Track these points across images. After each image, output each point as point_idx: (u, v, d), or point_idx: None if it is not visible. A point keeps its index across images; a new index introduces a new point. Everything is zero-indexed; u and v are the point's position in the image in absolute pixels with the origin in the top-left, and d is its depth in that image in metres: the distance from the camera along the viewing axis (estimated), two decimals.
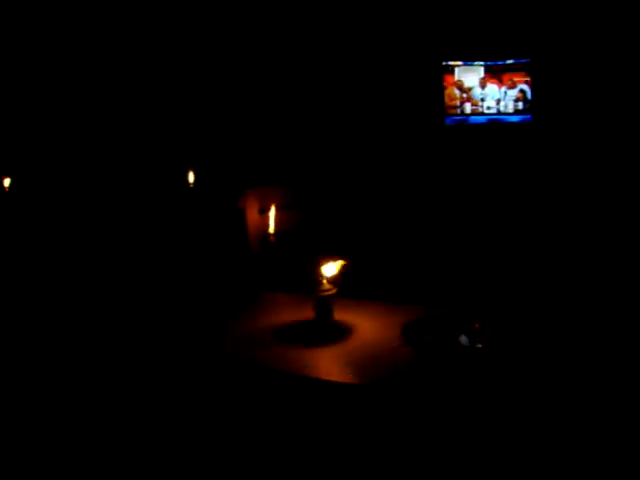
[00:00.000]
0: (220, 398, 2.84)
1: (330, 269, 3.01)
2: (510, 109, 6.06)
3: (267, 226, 4.67)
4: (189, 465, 2.82)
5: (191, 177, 5.81)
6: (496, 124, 6.14)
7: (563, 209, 5.77)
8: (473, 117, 6.17)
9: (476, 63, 6.06)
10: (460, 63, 6.08)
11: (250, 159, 6.29)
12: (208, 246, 4.95)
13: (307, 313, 3.10)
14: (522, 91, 5.99)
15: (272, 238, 4.94)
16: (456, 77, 6.11)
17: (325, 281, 3.02)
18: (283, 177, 5.89)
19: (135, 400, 3.00)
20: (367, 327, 3.08)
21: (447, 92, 6.16)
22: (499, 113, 6.09)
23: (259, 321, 3.23)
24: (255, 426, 2.79)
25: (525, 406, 2.44)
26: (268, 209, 4.50)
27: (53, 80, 6.48)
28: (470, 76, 6.09)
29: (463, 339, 2.83)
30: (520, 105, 6.02)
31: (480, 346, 2.78)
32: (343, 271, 3.09)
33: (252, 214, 4.90)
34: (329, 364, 2.82)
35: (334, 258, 3.05)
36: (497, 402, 2.46)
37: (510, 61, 5.95)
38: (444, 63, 6.12)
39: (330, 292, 3.00)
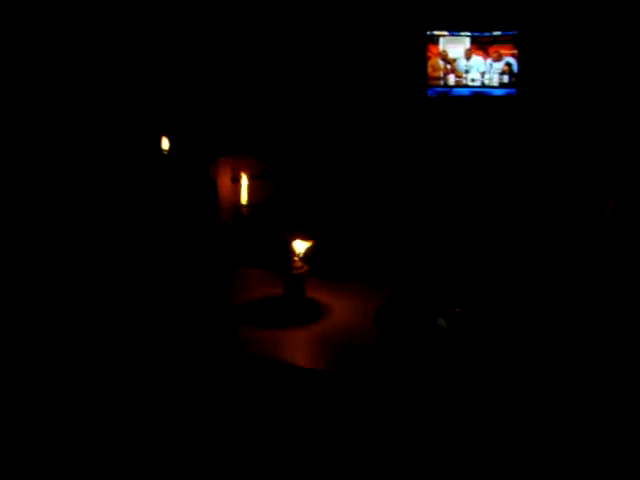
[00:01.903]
0: (190, 382, 2.74)
1: (301, 246, 2.90)
2: (495, 82, 5.94)
3: (239, 197, 4.54)
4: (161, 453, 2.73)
5: (165, 144, 5.63)
6: (480, 97, 6.02)
7: (546, 187, 5.70)
8: (456, 89, 6.05)
9: (462, 34, 5.92)
10: (445, 33, 5.94)
11: (224, 126, 6.12)
12: (180, 218, 4.81)
13: (279, 292, 3.00)
14: (508, 64, 5.87)
15: (245, 210, 4.81)
16: (440, 47, 5.97)
17: (297, 259, 2.91)
18: (256, 146, 5.74)
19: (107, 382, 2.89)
20: (340, 308, 2.99)
21: (431, 63, 6.02)
22: (483, 86, 5.98)
23: (231, 299, 3.13)
24: (225, 411, 2.70)
25: (503, 392, 2.37)
26: (240, 178, 4.38)
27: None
28: (455, 47, 5.95)
29: (441, 322, 2.75)
30: (505, 78, 5.90)
31: (459, 330, 2.71)
32: (314, 249, 2.98)
33: (224, 184, 4.76)
34: (299, 347, 2.73)
35: (306, 235, 2.94)
36: (475, 387, 2.39)
37: (497, 33, 5.82)
38: (429, 33, 5.97)
39: (301, 271, 2.89)
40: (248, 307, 3.02)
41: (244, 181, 4.39)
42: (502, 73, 5.92)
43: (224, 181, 4.78)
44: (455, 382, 2.41)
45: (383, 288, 3.14)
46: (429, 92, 6.11)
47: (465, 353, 2.59)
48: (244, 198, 4.56)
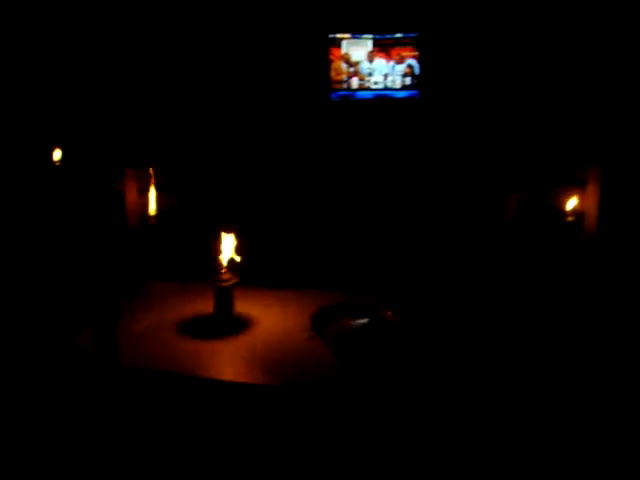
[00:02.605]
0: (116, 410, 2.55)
1: (229, 257, 2.78)
2: (398, 84, 5.98)
3: (146, 208, 4.37)
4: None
5: (57, 154, 5.34)
6: (383, 100, 6.05)
7: (449, 185, 5.80)
8: (360, 92, 6.05)
9: (364, 36, 5.92)
10: (348, 36, 5.93)
11: (126, 137, 5.89)
12: (81, 231, 4.57)
13: (202, 305, 2.87)
14: (410, 66, 5.92)
15: (152, 220, 4.65)
16: (343, 50, 5.96)
17: (224, 270, 2.79)
18: (161, 156, 5.56)
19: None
20: (272, 318, 2.89)
21: (334, 66, 6.00)
22: (386, 88, 6.01)
23: (149, 315, 2.96)
24: (160, 430, 2.54)
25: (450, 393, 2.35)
26: (146, 190, 4.23)
27: None
28: (358, 50, 5.95)
29: (374, 327, 2.72)
30: (408, 80, 5.95)
31: (394, 334, 2.68)
32: (243, 259, 2.87)
33: (131, 196, 4.56)
34: (232, 362, 2.61)
35: (237, 245, 2.82)
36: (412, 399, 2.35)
37: (399, 35, 5.87)
38: (331, 36, 5.94)
39: (230, 282, 2.77)
40: (178, 322, 2.86)
41: (152, 193, 4.24)
42: (404, 75, 5.97)
43: (131, 193, 4.58)
44: (403, 383, 2.37)
45: (315, 293, 3.07)
46: (333, 96, 6.08)
47: (407, 353, 2.56)
48: (152, 209, 4.40)
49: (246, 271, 2.96)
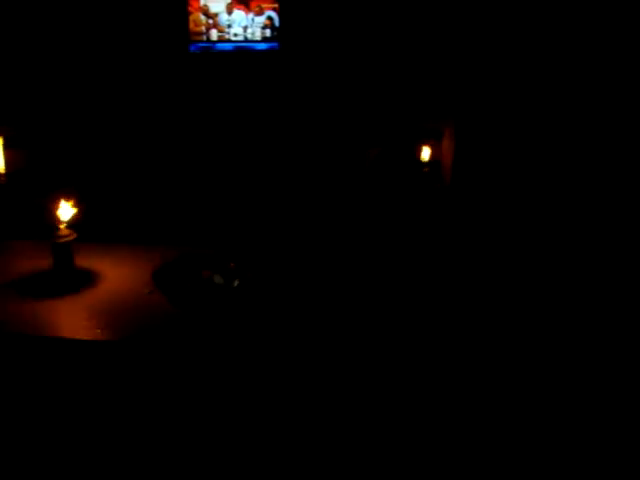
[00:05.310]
0: None
1: (67, 212, 2.76)
2: (257, 36, 6.00)
3: None
4: None
5: None
6: (243, 51, 6.05)
7: (312, 137, 5.92)
8: (219, 44, 6.02)
9: None
10: None
11: None
12: None
13: (45, 262, 2.85)
14: (270, 18, 5.95)
15: (2, 179, 4.55)
16: (202, 2, 5.90)
17: (62, 226, 2.77)
18: (8, 113, 5.37)
19: None
20: (114, 274, 2.91)
21: (192, 18, 5.94)
22: (246, 40, 6.01)
23: None
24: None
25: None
26: None
27: None
28: (216, 1, 5.91)
29: (217, 278, 2.78)
30: (268, 32, 5.97)
31: (236, 284, 2.75)
32: (81, 214, 2.86)
33: None
34: (73, 319, 2.60)
35: (71, 200, 2.80)
36: (260, 344, 2.45)
37: None
38: None
39: (69, 238, 2.76)
40: (16, 281, 2.83)
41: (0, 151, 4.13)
42: (264, 27, 5.99)
43: None
44: (246, 339, 2.46)
45: (158, 249, 3.10)
46: (192, 48, 6.03)
47: (245, 307, 2.65)
48: (1, 167, 4.28)
49: (90, 227, 2.96)
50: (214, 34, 6.02)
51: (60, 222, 2.77)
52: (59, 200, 2.79)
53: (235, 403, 2.52)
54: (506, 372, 2.64)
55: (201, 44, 6.04)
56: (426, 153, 5.65)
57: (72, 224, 2.78)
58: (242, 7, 5.96)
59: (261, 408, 2.52)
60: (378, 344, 2.48)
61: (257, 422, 2.52)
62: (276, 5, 5.93)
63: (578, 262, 3.89)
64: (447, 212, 5.15)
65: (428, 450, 2.49)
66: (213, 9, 5.97)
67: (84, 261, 2.93)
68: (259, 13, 5.97)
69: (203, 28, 6.00)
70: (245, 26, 6.00)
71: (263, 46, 6.06)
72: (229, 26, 6.01)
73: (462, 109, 5.34)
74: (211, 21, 5.99)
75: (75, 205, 2.81)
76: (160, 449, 2.54)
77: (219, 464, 2.49)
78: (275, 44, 6.03)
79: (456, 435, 2.52)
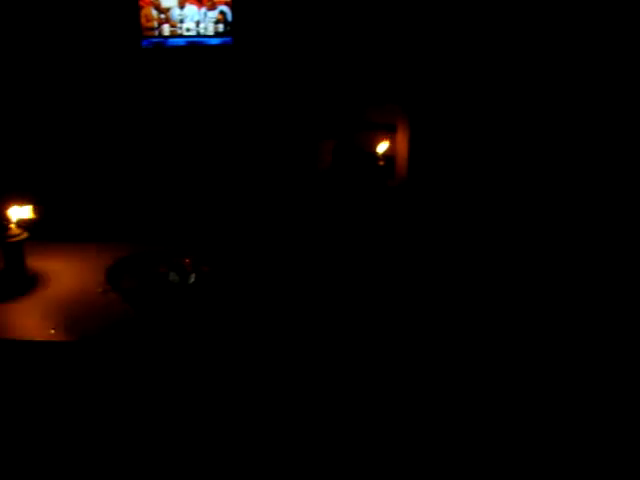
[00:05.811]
0: None
1: (17, 211, 2.73)
2: (210, 31, 5.96)
3: None
4: None
5: None
6: (196, 46, 6.01)
7: (264, 133, 5.92)
8: (172, 39, 5.98)
9: None
10: None
11: None
12: None
13: None
14: (222, 13, 5.92)
15: None
16: None
17: (13, 225, 2.74)
18: None
19: None
20: (67, 273, 2.88)
21: (144, 12, 5.88)
22: (199, 35, 5.97)
23: None
24: None
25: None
26: None
27: None
28: None
29: (172, 276, 2.78)
30: (220, 27, 5.94)
31: (192, 280, 2.75)
32: (35, 213, 2.83)
33: None
34: (26, 321, 2.57)
35: (21, 199, 2.77)
36: (220, 341, 2.45)
37: None
38: None
39: (19, 237, 2.72)
40: None
41: None
42: (217, 22, 5.95)
43: None
44: (205, 335, 2.46)
45: (109, 247, 3.08)
46: (144, 43, 5.97)
47: (200, 304, 2.65)
48: None
49: (43, 226, 2.93)
50: (166, 29, 5.97)
51: (10, 222, 2.73)
52: (9, 200, 2.75)
53: (195, 401, 2.52)
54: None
55: (153, 39, 5.98)
56: (382, 147, 5.67)
57: (25, 224, 2.75)
58: (194, 2, 5.91)
59: (222, 404, 2.53)
60: (334, 332, 2.51)
61: (221, 419, 2.53)
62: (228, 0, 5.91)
63: (539, 253, 3.96)
64: (406, 208, 5.18)
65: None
66: (165, 3, 5.91)
67: (36, 261, 2.90)
68: (211, 8, 5.93)
69: (155, 23, 5.94)
70: (197, 21, 5.96)
71: (216, 41, 6.02)
72: (181, 21, 5.96)
73: (417, 101, 5.38)
74: (163, 16, 5.94)
75: (27, 204, 2.77)
76: (121, 449, 2.53)
77: (172, 464, 2.49)
78: (228, 39, 6.00)
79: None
